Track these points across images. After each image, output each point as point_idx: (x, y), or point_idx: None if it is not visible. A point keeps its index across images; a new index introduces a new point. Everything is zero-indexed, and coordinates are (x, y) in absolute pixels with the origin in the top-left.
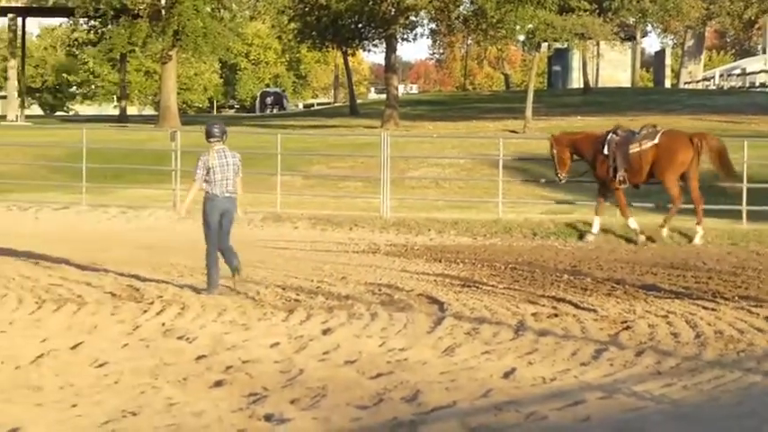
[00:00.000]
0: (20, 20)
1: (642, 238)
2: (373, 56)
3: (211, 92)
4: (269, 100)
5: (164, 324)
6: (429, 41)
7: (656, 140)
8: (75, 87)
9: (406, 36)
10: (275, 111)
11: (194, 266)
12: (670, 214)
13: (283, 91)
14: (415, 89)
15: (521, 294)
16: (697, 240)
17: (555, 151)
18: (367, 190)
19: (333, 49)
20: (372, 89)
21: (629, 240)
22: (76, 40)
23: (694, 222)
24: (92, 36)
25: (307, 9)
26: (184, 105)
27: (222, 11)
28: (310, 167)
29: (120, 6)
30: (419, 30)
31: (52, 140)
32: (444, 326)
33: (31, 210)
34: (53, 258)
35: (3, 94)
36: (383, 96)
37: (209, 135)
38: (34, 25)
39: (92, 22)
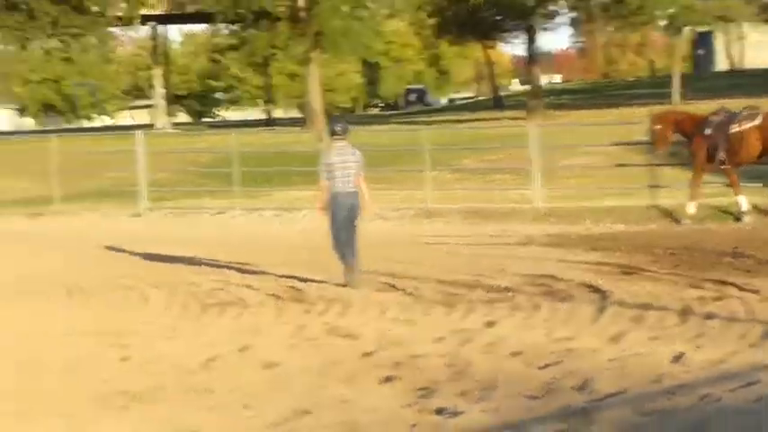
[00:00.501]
0: (161, 27)
1: (747, 218)
2: (514, 47)
3: (355, 92)
4: (412, 97)
5: (328, 323)
6: (570, 30)
7: (757, 122)
8: (220, 93)
9: (546, 26)
10: (419, 107)
11: None
12: None
13: (426, 88)
14: (558, 79)
15: (683, 279)
16: None
17: (657, 127)
18: (517, 181)
19: (473, 42)
20: (515, 81)
21: (737, 219)
22: (218, 45)
23: None
24: (233, 41)
25: (445, 4)
26: (329, 106)
27: (361, 10)
28: (459, 161)
29: (260, 10)
30: (559, 19)
31: (201, 146)
32: (608, 314)
33: (186, 216)
34: (213, 263)
35: (150, 102)
36: (526, 88)
37: (332, 132)
38: (175, 32)
39: (232, 27)
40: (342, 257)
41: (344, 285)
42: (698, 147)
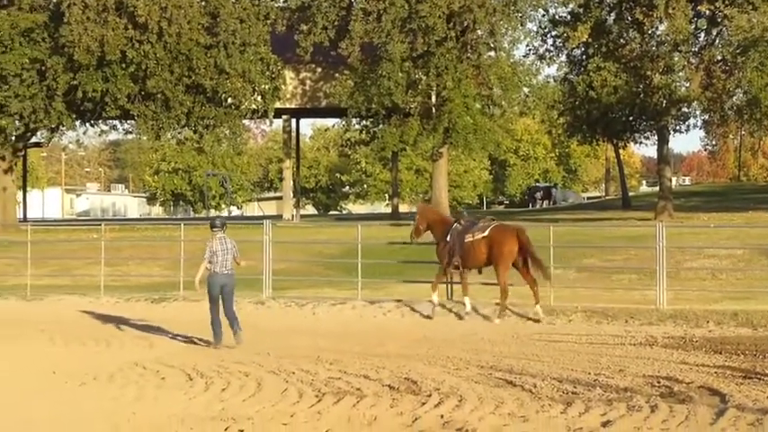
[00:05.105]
0: (294, 121)
1: (470, 310)
2: (644, 148)
3: (481, 188)
4: (539, 195)
5: (442, 416)
6: (701, 133)
7: (486, 234)
8: (347, 187)
9: (678, 127)
10: (545, 205)
11: (470, 359)
12: (502, 302)
13: (555, 185)
14: (687, 181)
15: None
16: (540, 317)
17: (417, 218)
18: (642, 282)
19: (603, 142)
20: (644, 182)
21: (424, 316)
22: (349, 140)
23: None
24: (364, 136)
25: (577, 103)
26: (454, 202)
27: (492, 107)
28: (583, 260)
29: (392, 106)
30: (691, 121)
31: (327, 238)
32: (727, 417)
33: (308, 306)
34: (331, 353)
35: (279, 194)
36: (655, 189)
37: (212, 226)
38: (307, 126)
39: (364, 122)
40: (213, 323)
41: (209, 345)
42: (440, 251)
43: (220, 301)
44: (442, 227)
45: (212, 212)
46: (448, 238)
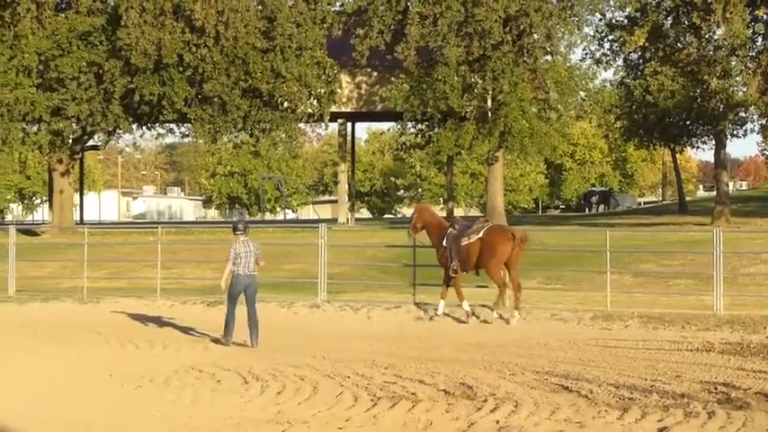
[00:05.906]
0: (349, 125)
1: (473, 319)
2: (701, 153)
3: (537, 192)
4: (594, 199)
5: (498, 422)
6: (758, 137)
7: (481, 235)
8: (402, 191)
9: (735, 132)
10: (601, 209)
11: (526, 365)
12: (499, 298)
13: (611, 190)
14: (744, 186)
15: None
16: (513, 323)
17: (415, 216)
18: (699, 287)
19: (660, 146)
20: (701, 187)
21: (460, 321)
22: (404, 143)
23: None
24: (419, 140)
25: (634, 107)
26: (509, 206)
27: (548, 111)
28: (640, 265)
29: (448, 109)
30: (749, 125)
31: (382, 242)
32: None
33: (363, 309)
34: (386, 357)
35: (334, 198)
36: (712, 194)
37: (234, 229)
38: (362, 130)
39: (419, 126)
40: (227, 325)
41: (217, 342)
42: (440, 255)
43: (238, 301)
44: (438, 230)
45: (267, 216)
46: (444, 243)
